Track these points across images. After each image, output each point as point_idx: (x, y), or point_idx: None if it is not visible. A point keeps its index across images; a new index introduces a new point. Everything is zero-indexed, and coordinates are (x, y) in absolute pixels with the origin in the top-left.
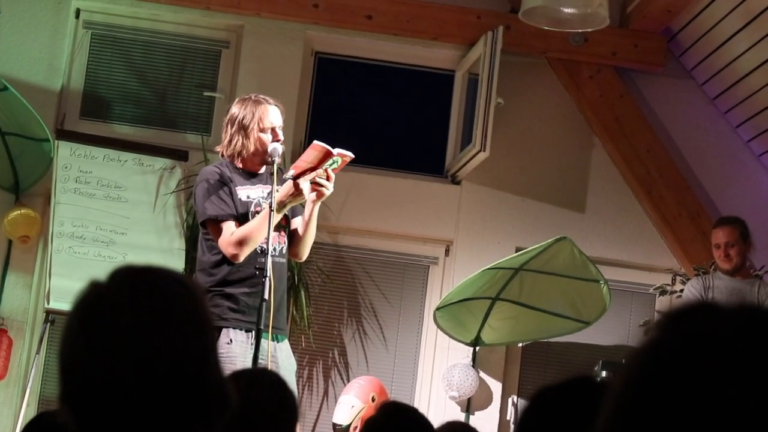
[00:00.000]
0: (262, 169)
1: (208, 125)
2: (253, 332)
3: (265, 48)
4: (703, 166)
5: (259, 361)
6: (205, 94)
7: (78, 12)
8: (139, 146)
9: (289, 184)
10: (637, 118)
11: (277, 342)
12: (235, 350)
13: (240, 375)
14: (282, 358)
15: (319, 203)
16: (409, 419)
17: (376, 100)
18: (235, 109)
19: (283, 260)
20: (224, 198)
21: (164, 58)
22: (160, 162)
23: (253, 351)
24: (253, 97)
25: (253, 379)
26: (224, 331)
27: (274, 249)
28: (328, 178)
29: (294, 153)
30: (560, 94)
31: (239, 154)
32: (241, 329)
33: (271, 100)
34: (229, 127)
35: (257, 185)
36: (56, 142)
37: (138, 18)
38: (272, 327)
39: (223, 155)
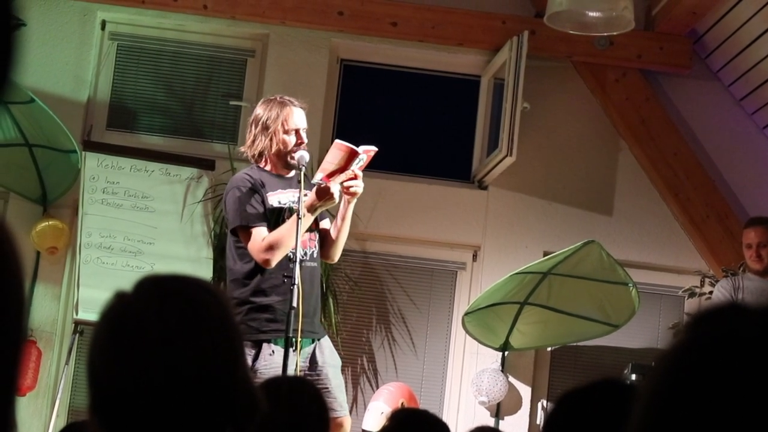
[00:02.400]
0: (291, 173)
1: (234, 134)
2: (293, 340)
3: (291, 56)
4: (730, 167)
5: (291, 369)
6: (231, 103)
7: (104, 23)
8: (166, 156)
9: (318, 189)
10: (664, 121)
11: (312, 344)
12: (278, 361)
13: (269, 384)
14: (327, 355)
15: (354, 203)
16: (420, 422)
17: (402, 106)
18: (260, 110)
19: (315, 264)
20: (255, 205)
21: (190, 68)
22: (187, 171)
23: (294, 358)
24: (278, 99)
25: (279, 387)
26: (265, 345)
27: (305, 254)
28: (355, 177)
29: (321, 161)
30: (586, 97)
31: (261, 154)
32: (281, 339)
33: (296, 102)
34: (253, 127)
35: (287, 190)
36: (83, 153)
37: (163, 28)
38: (309, 332)
39: (247, 155)
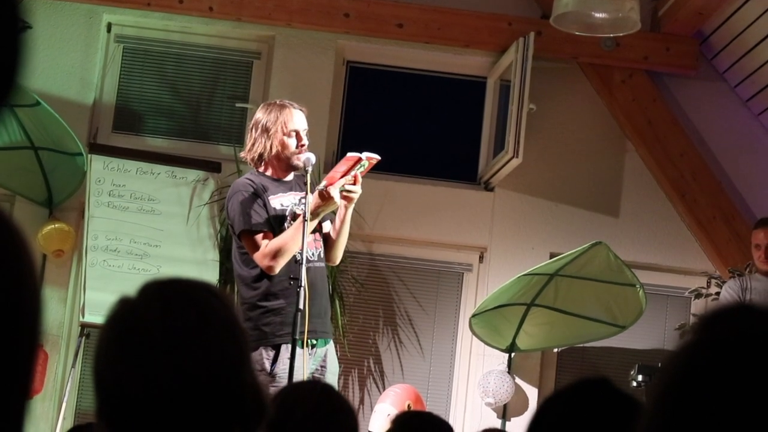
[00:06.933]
0: (290, 176)
1: (240, 136)
2: (312, 341)
3: (297, 58)
4: (736, 168)
5: (301, 370)
6: (237, 105)
7: (109, 26)
8: (172, 158)
9: (319, 192)
10: (670, 122)
11: (326, 345)
12: (297, 364)
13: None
14: (328, 361)
15: (352, 207)
16: (424, 424)
17: (409, 108)
18: (260, 114)
19: (322, 264)
20: (258, 210)
21: (196, 70)
22: (193, 174)
23: (312, 359)
24: (277, 102)
25: (299, 391)
26: (284, 347)
27: (312, 255)
28: (355, 182)
29: (327, 163)
30: (592, 99)
31: (260, 156)
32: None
33: (295, 105)
34: (253, 131)
35: (288, 192)
36: (89, 156)
37: (169, 31)
38: (322, 332)
39: (247, 160)
